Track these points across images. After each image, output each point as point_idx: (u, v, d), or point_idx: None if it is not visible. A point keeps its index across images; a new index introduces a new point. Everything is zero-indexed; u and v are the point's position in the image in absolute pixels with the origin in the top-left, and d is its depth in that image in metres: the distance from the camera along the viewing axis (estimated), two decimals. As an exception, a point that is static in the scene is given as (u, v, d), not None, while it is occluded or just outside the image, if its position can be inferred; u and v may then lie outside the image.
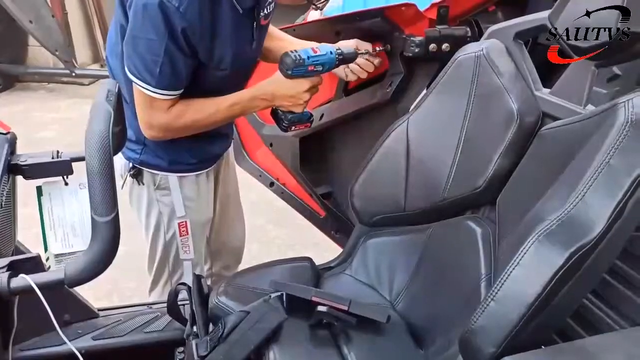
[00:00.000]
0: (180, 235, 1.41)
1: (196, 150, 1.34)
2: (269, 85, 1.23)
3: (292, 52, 1.16)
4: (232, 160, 1.60)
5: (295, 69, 1.15)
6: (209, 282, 1.62)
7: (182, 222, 1.39)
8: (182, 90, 1.17)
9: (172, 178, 1.34)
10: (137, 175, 1.34)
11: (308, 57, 1.16)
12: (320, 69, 1.19)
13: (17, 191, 1.13)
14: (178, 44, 1.09)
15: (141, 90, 1.14)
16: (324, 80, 1.41)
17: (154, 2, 1.04)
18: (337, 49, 1.20)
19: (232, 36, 1.15)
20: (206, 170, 1.39)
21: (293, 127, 1.27)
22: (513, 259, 0.77)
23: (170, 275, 1.48)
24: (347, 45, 1.30)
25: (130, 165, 1.33)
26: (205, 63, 1.16)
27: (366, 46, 1.34)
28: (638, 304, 0.90)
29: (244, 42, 1.20)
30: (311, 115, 1.28)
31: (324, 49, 1.18)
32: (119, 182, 1.34)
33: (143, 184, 1.35)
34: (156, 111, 1.17)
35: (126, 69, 1.15)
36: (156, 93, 1.14)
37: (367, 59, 1.34)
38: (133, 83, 1.15)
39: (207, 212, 1.46)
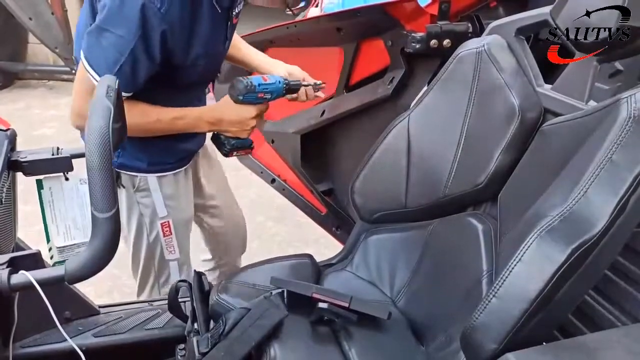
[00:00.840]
0: (164, 236, 1.40)
1: (174, 149, 1.33)
2: (218, 108, 1.24)
3: (243, 78, 1.19)
4: (211, 153, 1.54)
5: (246, 95, 1.18)
6: (216, 274, 1.66)
7: (165, 222, 1.38)
8: (131, 94, 1.13)
9: (152, 179, 1.32)
10: (115, 179, 1.30)
11: (259, 85, 1.19)
12: (269, 96, 1.22)
13: (18, 188, 1.13)
14: (148, 48, 1.06)
15: (89, 77, 1.07)
16: (325, 79, 1.44)
17: (137, 2, 1.01)
18: (284, 79, 1.24)
19: (209, 36, 1.16)
20: (184, 167, 1.38)
21: (235, 153, 1.30)
22: (515, 255, 0.77)
23: (157, 277, 1.47)
24: (295, 75, 1.37)
25: None
26: (180, 63, 1.14)
27: (310, 79, 1.39)
28: (639, 300, 0.90)
29: (218, 40, 1.22)
30: (252, 142, 1.31)
31: (273, 78, 1.23)
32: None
33: (122, 187, 1.33)
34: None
35: (82, 53, 1.09)
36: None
37: (310, 90, 1.38)
38: (82, 64, 1.09)
39: (188, 210, 1.45)
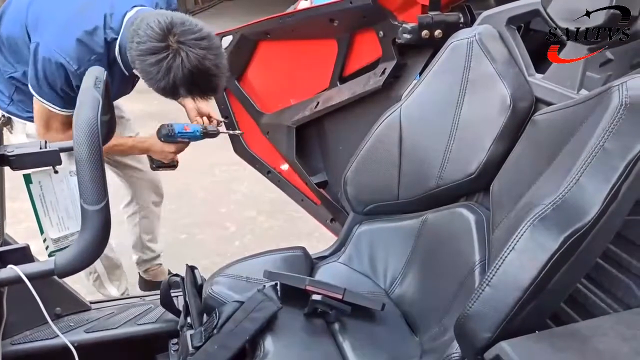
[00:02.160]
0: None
1: None
2: (147, 141, 1.64)
3: (168, 125, 1.59)
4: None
5: (168, 137, 1.60)
6: (141, 215, 1.97)
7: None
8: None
9: None
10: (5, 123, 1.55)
11: (178, 132, 1.59)
12: (187, 140, 1.63)
13: (5, 184, 1.11)
14: (72, 90, 1.38)
15: (42, 106, 1.40)
16: (319, 71, 1.55)
17: (57, 61, 1.33)
18: (203, 128, 1.62)
19: (119, 89, 1.52)
20: None
21: (160, 169, 1.74)
22: (508, 244, 0.77)
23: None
24: (190, 112, 1.76)
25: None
26: None
27: (206, 114, 1.76)
28: (631, 287, 0.90)
29: (127, 86, 1.59)
30: (176, 162, 1.73)
31: (193, 128, 1.62)
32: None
33: (10, 132, 1.55)
34: (50, 123, 1.44)
35: (30, 87, 1.40)
36: (54, 108, 1.41)
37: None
38: (35, 97, 1.40)
39: None
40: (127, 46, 1.32)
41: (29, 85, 1.40)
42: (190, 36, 1.25)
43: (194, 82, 1.28)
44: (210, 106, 1.78)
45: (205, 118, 1.75)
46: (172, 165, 1.72)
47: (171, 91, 1.29)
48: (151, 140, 1.62)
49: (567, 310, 0.98)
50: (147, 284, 2.14)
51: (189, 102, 1.73)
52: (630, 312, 0.87)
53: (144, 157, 1.78)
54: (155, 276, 2.14)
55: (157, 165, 1.71)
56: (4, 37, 1.44)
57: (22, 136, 1.56)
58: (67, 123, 1.43)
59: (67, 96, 1.39)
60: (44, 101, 1.39)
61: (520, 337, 0.73)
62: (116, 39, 1.38)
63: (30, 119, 1.51)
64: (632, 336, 0.73)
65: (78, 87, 1.37)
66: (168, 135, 1.59)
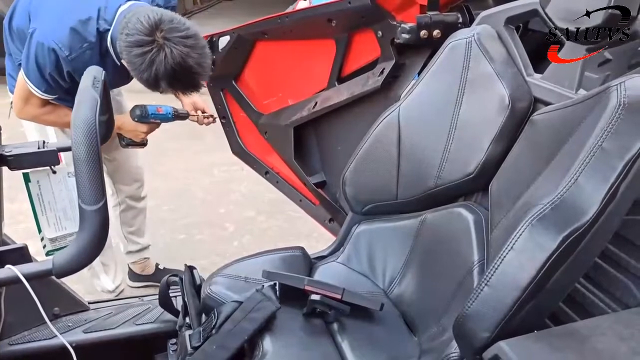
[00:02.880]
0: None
1: None
2: (120, 119, 1.64)
3: (141, 106, 1.64)
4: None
5: (140, 118, 1.64)
6: (120, 209, 2.00)
7: None
8: (55, 96, 1.50)
9: None
10: None
11: (152, 114, 1.65)
12: (159, 121, 1.69)
13: (4, 184, 1.11)
14: (61, 76, 1.44)
15: (25, 83, 1.46)
16: (317, 71, 1.56)
17: (49, 46, 1.39)
18: (174, 111, 1.71)
19: (112, 76, 1.49)
20: None
21: (130, 146, 1.77)
22: (506, 243, 0.77)
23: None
24: (186, 106, 1.82)
25: None
26: None
27: (201, 108, 1.83)
28: (630, 287, 0.90)
29: (122, 78, 1.60)
30: (146, 141, 1.76)
31: (166, 109, 1.69)
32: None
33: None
34: (30, 100, 1.50)
35: (22, 68, 1.46)
36: (35, 91, 1.47)
37: (200, 118, 1.82)
38: (21, 73, 1.46)
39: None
40: (117, 37, 1.38)
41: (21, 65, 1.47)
42: (176, 34, 1.30)
43: (176, 77, 1.33)
44: (205, 102, 1.86)
45: (199, 112, 1.82)
46: (142, 143, 1.77)
47: (153, 83, 1.35)
48: (123, 119, 1.66)
49: (565, 309, 0.98)
50: (135, 277, 2.18)
51: (185, 97, 1.78)
52: (628, 312, 0.87)
53: (117, 150, 1.83)
54: (142, 269, 2.17)
55: (127, 143, 1.75)
56: (15, 27, 1.54)
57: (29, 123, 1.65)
58: (45, 103, 1.51)
59: (53, 82, 1.45)
60: (28, 81, 1.46)
61: (519, 336, 0.73)
62: (108, 30, 1.44)
63: None
64: (630, 336, 0.73)
65: (69, 73, 1.44)
66: (142, 115, 1.64)
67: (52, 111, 1.54)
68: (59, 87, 1.47)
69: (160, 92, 1.53)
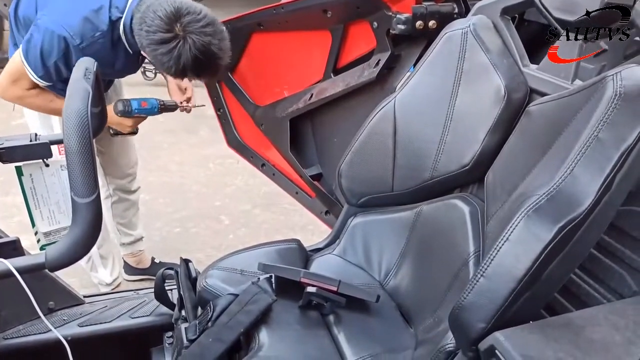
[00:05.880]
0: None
1: None
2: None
3: (125, 101, 1.60)
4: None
5: (124, 113, 1.60)
6: (112, 201, 1.98)
7: None
8: (51, 85, 1.49)
9: None
10: None
11: (135, 109, 1.60)
12: (144, 115, 1.64)
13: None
14: (67, 65, 1.42)
15: (22, 64, 1.42)
16: (313, 63, 1.54)
17: (60, 34, 1.37)
18: (160, 103, 1.66)
19: (123, 64, 1.55)
20: None
21: (119, 135, 1.75)
22: (502, 234, 0.77)
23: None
24: (172, 90, 1.80)
25: None
26: None
27: (173, 92, 1.81)
28: (624, 277, 0.91)
29: (131, 66, 1.62)
30: (136, 130, 1.72)
31: (151, 103, 1.63)
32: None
33: None
34: (19, 81, 1.47)
35: (20, 46, 1.43)
36: (31, 74, 1.44)
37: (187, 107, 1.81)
38: (19, 53, 1.43)
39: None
40: (133, 29, 1.40)
41: (20, 45, 1.45)
42: (195, 25, 1.33)
43: (202, 66, 1.37)
44: (189, 82, 1.84)
45: (190, 103, 1.82)
46: (132, 132, 1.74)
47: (181, 74, 1.40)
48: (108, 112, 1.67)
49: (561, 300, 0.98)
50: (131, 270, 2.17)
51: (173, 80, 1.79)
52: (623, 302, 0.88)
53: (110, 141, 1.83)
54: (138, 262, 2.17)
55: (115, 132, 1.72)
56: (21, 17, 1.53)
57: (34, 112, 1.65)
58: (34, 86, 1.49)
59: (55, 70, 1.43)
60: (26, 63, 1.43)
61: (515, 327, 0.73)
62: (120, 17, 1.43)
63: None
64: (625, 326, 0.73)
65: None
66: (125, 111, 1.60)
67: (38, 95, 1.52)
68: (58, 75, 1.46)
69: (189, 79, 1.55)
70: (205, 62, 1.36)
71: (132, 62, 1.59)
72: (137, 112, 1.62)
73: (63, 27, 1.38)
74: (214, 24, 1.36)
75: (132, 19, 1.41)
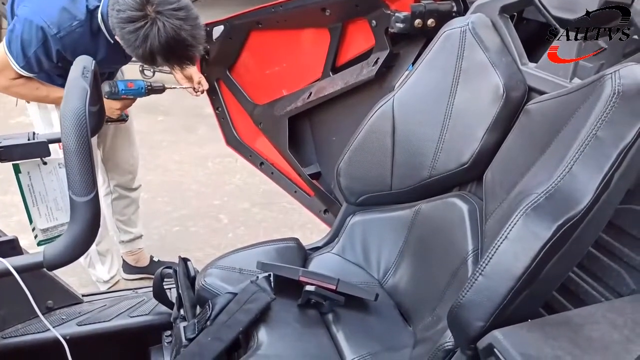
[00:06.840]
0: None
1: None
2: None
3: (111, 82, 1.59)
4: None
5: (111, 95, 1.59)
6: (112, 198, 1.98)
7: None
8: (35, 74, 1.50)
9: None
10: None
11: (122, 90, 1.60)
12: (131, 97, 1.63)
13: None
14: (47, 55, 1.43)
15: (5, 54, 1.44)
16: (311, 61, 1.54)
17: (37, 24, 1.38)
18: (147, 85, 1.65)
19: (105, 54, 1.51)
20: None
21: (110, 123, 1.74)
22: (501, 233, 0.77)
23: None
24: (180, 80, 1.78)
25: None
26: None
27: (180, 81, 1.79)
28: (623, 275, 0.91)
29: (115, 57, 1.57)
30: (126, 116, 1.75)
31: (137, 84, 1.63)
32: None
33: None
34: (4, 72, 1.47)
35: (5, 39, 1.44)
36: (13, 64, 1.44)
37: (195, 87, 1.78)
38: (2, 44, 1.45)
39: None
40: (108, 13, 1.38)
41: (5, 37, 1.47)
42: (167, 6, 1.30)
43: (171, 51, 1.33)
44: (194, 69, 1.82)
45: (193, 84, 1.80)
46: (122, 119, 1.73)
47: (149, 58, 1.35)
48: None
49: (559, 298, 0.98)
50: (129, 269, 2.17)
51: (180, 70, 1.76)
52: (621, 300, 0.88)
53: (112, 138, 1.84)
54: (136, 261, 2.16)
55: (105, 120, 1.70)
56: (16, 12, 1.53)
57: (35, 107, 1.66)
58: (19, 76, 1.49)
59: (35, 60, 1.44)
60: (8, 53, 1.44)
61: (513, 325, 0.73)
62: (98, 6, 1.43)
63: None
64: (623, 324, 0.73)
65: (58, 51, 1.43)
66: (112, 93, 1.59)
67: (24, 83, 1.52)
68: (39, 65, 1.46)
69: (157, 68, 1.53)
70: (175, 48, 1.33)
71: (115, 53, 1.54)
72: (124, 94, 1.60)
73: (41, 17, 1.38)
74: (187, 9, 1.33)
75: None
